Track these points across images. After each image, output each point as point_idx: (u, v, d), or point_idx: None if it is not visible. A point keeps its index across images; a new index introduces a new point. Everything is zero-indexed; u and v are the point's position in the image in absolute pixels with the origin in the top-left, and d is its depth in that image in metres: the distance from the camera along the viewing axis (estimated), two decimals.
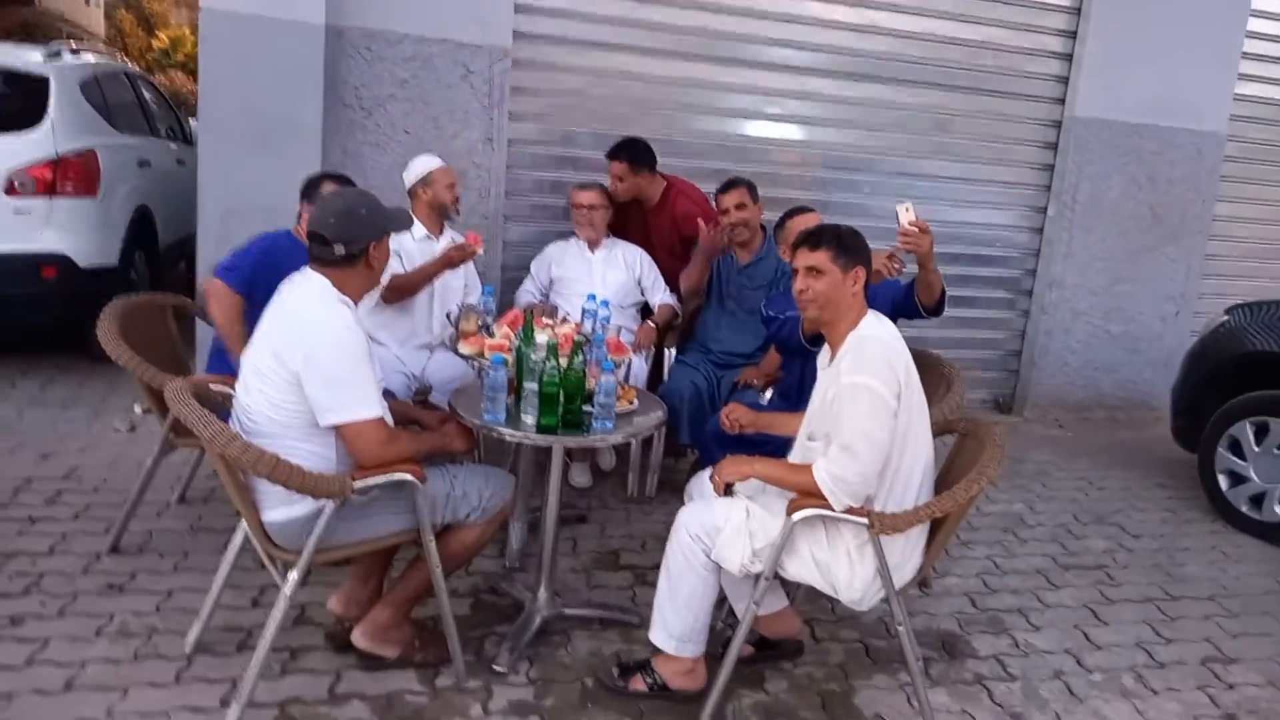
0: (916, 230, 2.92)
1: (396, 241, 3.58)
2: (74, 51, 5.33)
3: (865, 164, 5.39)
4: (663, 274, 4.27)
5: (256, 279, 3.04)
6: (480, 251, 3.59)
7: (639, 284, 4.19)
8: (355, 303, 2.37)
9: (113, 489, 3.58)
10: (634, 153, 4.21)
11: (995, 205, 5.66)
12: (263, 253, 3.15)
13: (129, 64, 6.87)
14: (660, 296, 4.19)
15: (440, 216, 3.76)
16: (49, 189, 4.56)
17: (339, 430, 2.27)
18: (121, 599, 2.85)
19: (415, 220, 3.65)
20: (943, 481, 2.66)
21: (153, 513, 3.41)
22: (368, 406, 2.27)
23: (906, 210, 2.92)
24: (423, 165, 3.72)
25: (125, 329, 3.09)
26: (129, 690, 2.41)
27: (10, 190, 4.49)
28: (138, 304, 3.29)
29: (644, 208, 4.37)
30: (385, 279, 3.52)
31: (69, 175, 4.63)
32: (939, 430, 2.78)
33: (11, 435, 4.07)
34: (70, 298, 4.69)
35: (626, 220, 4.38)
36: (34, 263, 4.57)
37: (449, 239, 3.77)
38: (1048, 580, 3.57)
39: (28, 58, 4.95)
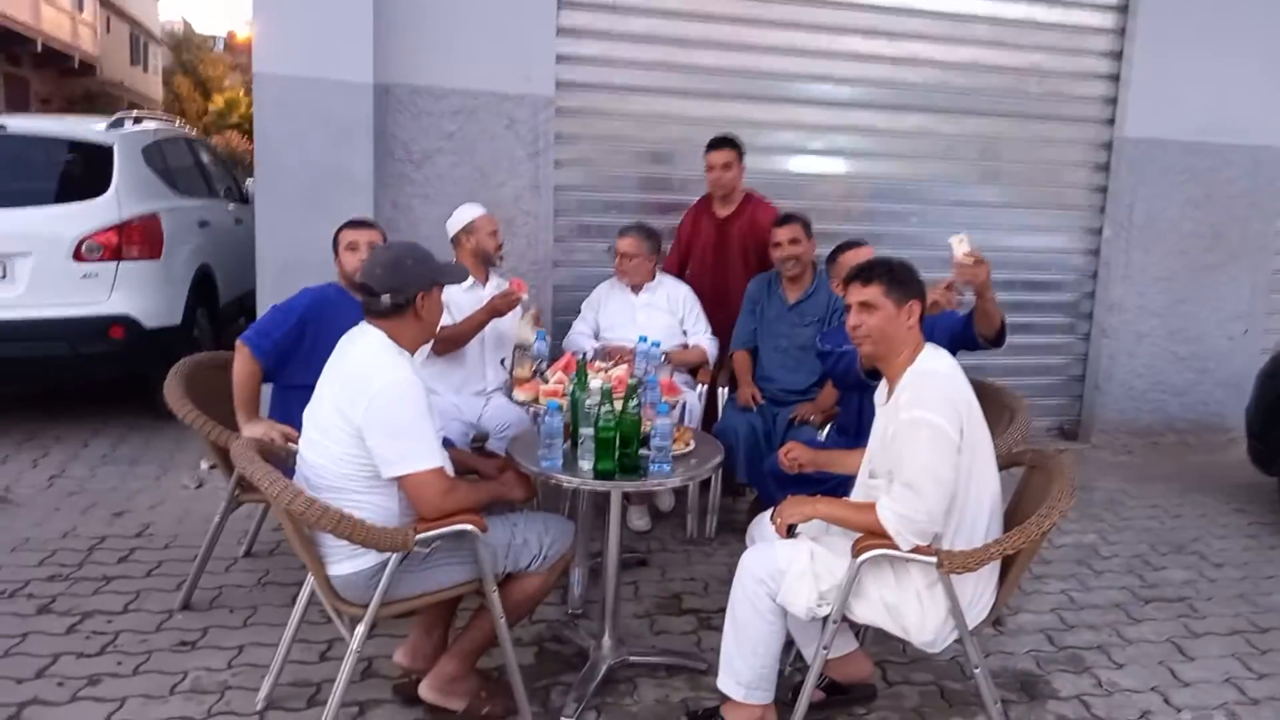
0: (971, 261, 2.88)
1: (444, 293, 3.62)
2: (136, 120, 5.54)
3: (913, 194, 5.35)
4: (729, 280, 4.28)
5: (297, 343, 3.08)
6: (525, 296, 3.61)
7: (682, 324, 4.16)
8: (411, 354, 2.40)
9: (183, 545, 3.64)
10: (737, 141, 4.28)
11: (1048, 229, 5.57)
12: (308, 309, 3.13)
13: (187, 128, 7.10)
14: (698, 339, 4.12)
15: (484, 264, 3.79)
16: (115, 253, 4.72)
17: (401, 482, 2.28)
18: (194, 656, 2.89)
19: None
20: (1012, 516, 2.59)
21: (222, 568, 3.46)
22: (429, 458, 2.28)
23: (961, 242, 2.89)
24: (465, 214, 3.77)
25: (190, 387, 3.17)
26: None
27: (78, 256, 4.65)
28: (202, 362, 3.37)
29: (715, 217, 4.38)
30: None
31: (134, 239, 4.79)
32: (1004, 463, 2.72)
33: (85, 495, 4.18)
34: (137, 357, 4.84)
35: (698, 227, 4.41)
36: (102, 325, 4.72)
37: (495, 286, 3.80)
38: (1127, 614, 3.44)
39: (92, 128, 5.15)
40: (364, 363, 2.32)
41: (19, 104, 18.11)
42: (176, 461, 4.63)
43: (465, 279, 2.66)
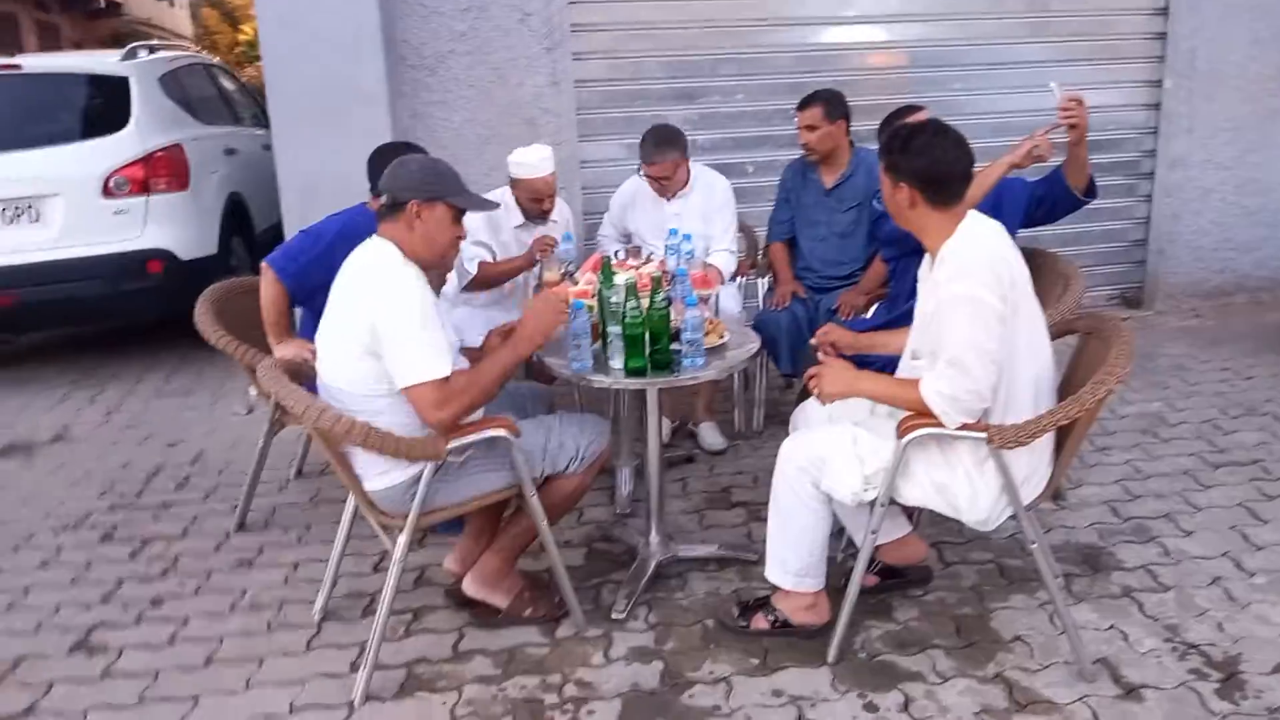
0: (1075, 103, 2.83)
1: (491, 231, 3.49)
2: (150, 50, 5.46)
3: (956, 57, 5.05)
4: None
5: (327, 270, 2.95)
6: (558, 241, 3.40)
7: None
8: (420, 267, 2.28)
9: (236, 470, 3.69)
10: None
11: (1103, 85, 5.20)
12: (338, 236, 2.98)
13: (206, 55, 7.00)
14: (716, 256, 3.72)
15: (526, 217, 3.54)
16: (143, 187, 4.71)
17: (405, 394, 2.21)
18: (251, 574, 2.96)
19: (511, 207, 3.50)
20: (1067, 387, 2.46)
21: (274, 489, 3.52)
22: (427, 369, 2.17)
23: (1059, 86, 2.88)
24: (515, 166, 3.41)
25: (222, 313, 3.16)
26: (264, 661, 2.49)
27: (107, 192, 4.64)
28: (233, 287, 3.35)
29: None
30: (473, 268, 3.44)
31: (159, 171, 4.76)
32: (1058, 332, 2.58)
33: (141, 427, 4.27)
34: (176, 290, 4.84)
35: None
36: (140, 260, 4.74)
37: (560, 219, 3.62)
38: (1196, 481, 3.31)
39: (106, 61, 5.09)
40: (365, 275, 2.25)
41: (52, 50, 18.12)
42: (227, 390, 4.69)
43: (487, 209, 2.50)
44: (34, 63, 5.09)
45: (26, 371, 5.19)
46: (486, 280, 3.51)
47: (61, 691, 2.40)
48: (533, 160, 3.38)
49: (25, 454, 4.03)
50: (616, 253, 3.49)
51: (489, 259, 3.50)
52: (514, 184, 3.46)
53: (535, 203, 3.46)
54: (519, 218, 3.54)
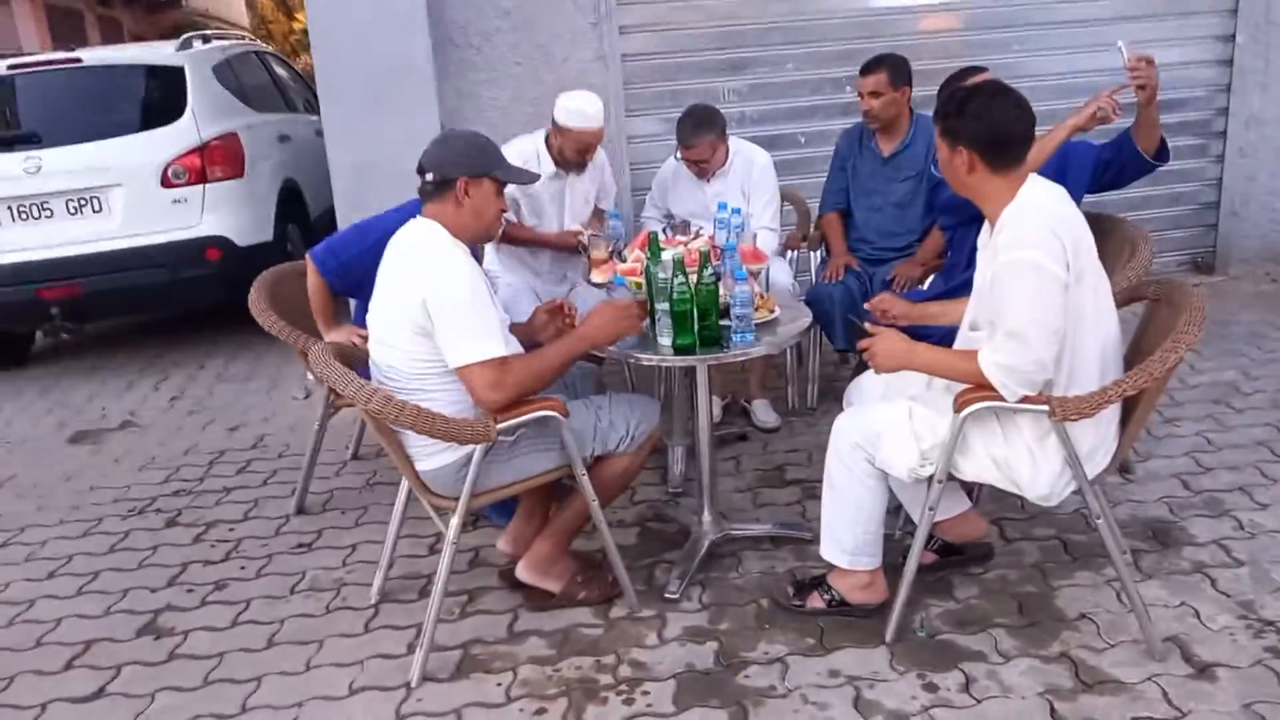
0: (1144, 62, 2.72)
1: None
2: (205, 40, 5.53)
3: (1016, 17, 4.86)
4: None
5: (372, 265, 2.67)
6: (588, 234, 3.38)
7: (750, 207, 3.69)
8: (466, 246, 2.29)
9: (295, 454, 3.76)
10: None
11: (1171, 41, 4.98)
12: (387, 233, 2.63)
13: (259, 44, 7.08)
14: (760, 236, 3.49)
15: (562, 166, 3.44)
16: (200, 176, 4.79)
17: (458, 374, 2.21)
18: (310, 556, 3.00)
19: (544, 157, 3.41)
20: (1135, 356, 2.37)
21: (332, 472, 3.57)
22: (479, 350, 2.16)
23: (1127, 45, 2.78)
24: (569, 115, 3.27)
25: (276, 298, 3.19)
26: (324, 643, 2.52)
27: (166, 182, 4.73)
28: (285, 273, 3.38)
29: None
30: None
31: (215, 160, 4.84)
32: (1125, 299, 2.48)
33: (204, 413, 4.37)
34: (235, 276, 4.90)
35: None
36: (199, 247, 4.83)
37: (597, 173, 3.55)
38: (1272, 452, 3.17)
39: (162, 52, 5.18)
40: (413, 255, 2.25)
41: (115, 44, 18.55)
42: (285, 375, 4.77)
43: (530, 182, 2.50)
44: (93, 56, 5.18)
45: (94, 360, 5.34)
46: (511, 239, 3.46)
47: (130, 673, 2.46)
48: (590, 110, 3.26)
49: (95, 441, 4.15)
50: (665, 230, 3.45)
51: (513, 218, 3.44)
52: (560, 132, 3.32)
53: (580, 154, 3.37)
54: (551, 167, 3.40)
